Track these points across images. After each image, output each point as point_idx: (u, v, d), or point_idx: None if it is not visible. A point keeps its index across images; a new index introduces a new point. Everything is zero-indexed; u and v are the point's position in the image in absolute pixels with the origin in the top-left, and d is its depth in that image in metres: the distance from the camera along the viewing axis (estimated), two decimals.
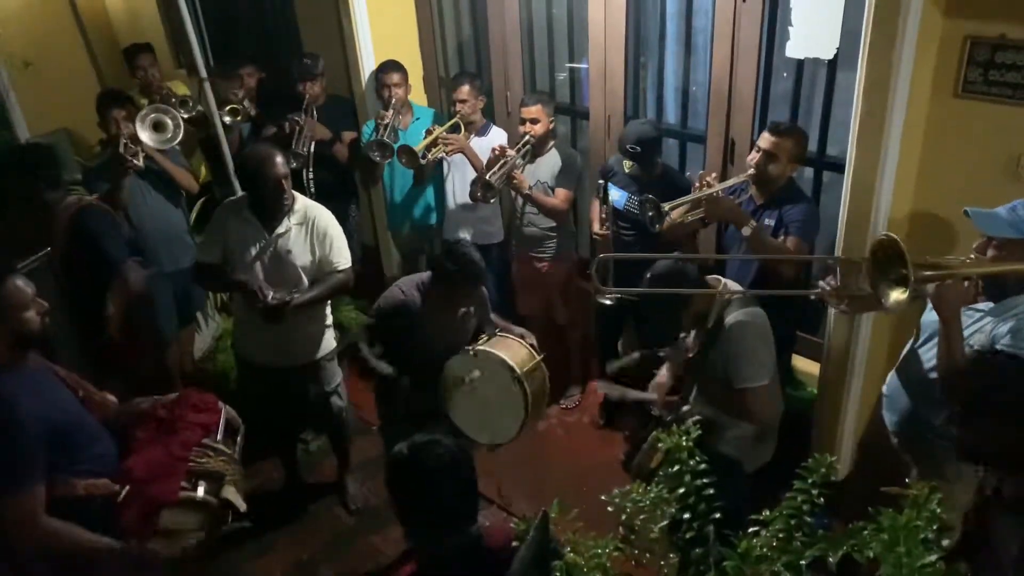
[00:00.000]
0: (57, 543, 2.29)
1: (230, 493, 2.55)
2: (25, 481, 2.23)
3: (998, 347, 2.30)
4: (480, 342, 3.08)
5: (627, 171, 3.68)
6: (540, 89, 4.41)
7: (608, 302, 3.73)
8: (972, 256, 2.37)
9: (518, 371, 2.94)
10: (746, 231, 3.04)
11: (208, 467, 2.53)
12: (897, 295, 2.17)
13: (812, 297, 2.68)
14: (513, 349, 3.06)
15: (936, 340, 2.49)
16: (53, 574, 2.39)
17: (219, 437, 2.64)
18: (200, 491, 2.48)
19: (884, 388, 2.80)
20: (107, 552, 2.34)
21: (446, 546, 1.85)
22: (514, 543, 1.67)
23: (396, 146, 4.28)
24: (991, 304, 2.39)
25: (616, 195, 3.80)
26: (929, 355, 2.55)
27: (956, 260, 2.35)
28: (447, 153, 4.18)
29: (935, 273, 2.26)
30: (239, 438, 2.77)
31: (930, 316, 2.55)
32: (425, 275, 3.20)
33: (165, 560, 2.45)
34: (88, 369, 2.76)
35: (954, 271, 2.28)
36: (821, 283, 2.67)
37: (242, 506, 2.58)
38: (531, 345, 3.15)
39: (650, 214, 3.17)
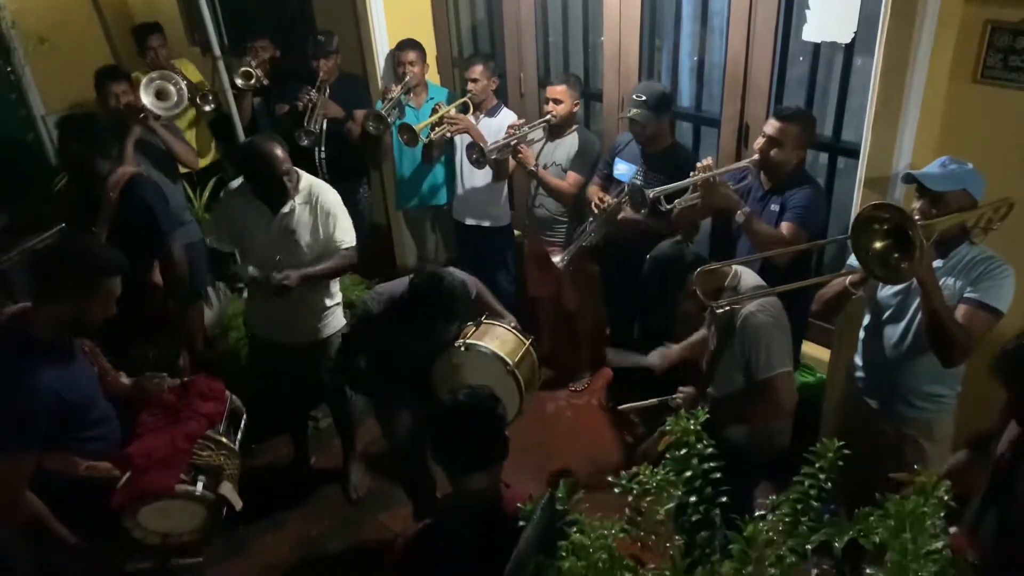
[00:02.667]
0: (27, 520, 2.33)
1: (227, 489, 2.58)
2: (19, 450, 2.26)
3: (966, 296, 2.39)
4: (468, 333, 3.05)
5: (631, 115, 3.51)
6: (562, 71, 4.37)
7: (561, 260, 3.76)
8: (917, 217, 2.40)
9: (510, 363, 2.93)
10: (739, 217, 3.03)
11: (209, 461, 2.56)
12: (907, 265, 2.13)
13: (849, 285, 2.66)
14: (501, 338, 3.04)
15: (903, 312, 2.58)
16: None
17: (222, 428, 2.67)
18: (199, 486, 2.51)
19: (858, 373, 2.82)
20: (67, 546, 2.39)
21: (469, 491, 1.95)
22: (521, 523, 1.69)
23: (398, 123, 4.28)
24: (940, 261, 2.46)
25: (623, 168, 3.78)
26: (900, 327, 2.59)
27: (926, 221, 2.37)
28: (451, 133, 4.17)
29: (931, 230, 2.27)
30: (241, 427, 2.79)
31: (888, 290, 2.62)
32: (404, 285, 3.07)
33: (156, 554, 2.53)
34: (110, 338, 2.80)
35: (935, 227, 2.30)
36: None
37: (238, 504, 2.62)
38: (516, 328, 3.13)
39: (637, 201, 3.20)
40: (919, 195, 2.45)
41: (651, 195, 3.17)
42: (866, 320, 2.78)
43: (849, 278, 2.59)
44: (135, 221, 3.40)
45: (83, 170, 3.42)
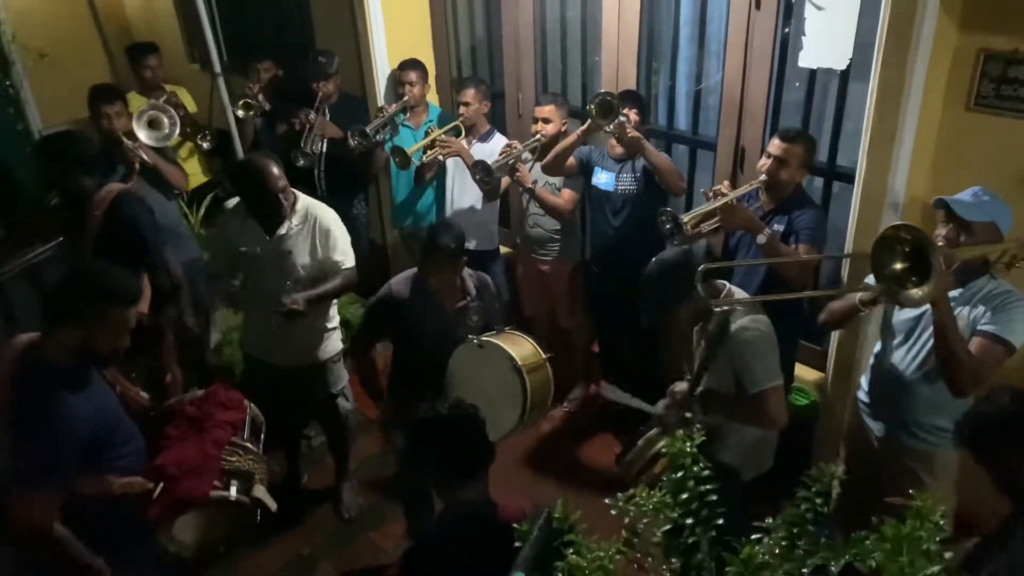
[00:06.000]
0: (56, 550, 2.29)
1: (261, 492, 2.60)
2: (56, 481, 2.24)
3: (980, 328, 2.37)
4: (488, 335, 3.09)
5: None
6: (553, 91, 4.41)
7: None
8: (941, 244, 2.41)
9: (518, 362, 2.94)
10: (761, 239, 3.03)
11: (239, 466, 2.57)
12: (924, 289, 2.11)
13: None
14: (519, 344, 3.06)
15: (913, 339, 2.57)
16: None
17: (245, 435, 2.67)
18: (233, 491, 2.52)
19: (862, 396, 2.82)
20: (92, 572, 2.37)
21: (462, 501, 1.99)
22: (516, 544, 1.68)
23: (390, 145, 4.30)
24: (958, 290, 2.44)
25: (604, 177, 3.82)
26: (910, 355, 2.58)
27: (949, 249, 2.38)
28: (443, 155, 4.18)
29: (953, 258, 2.26)
30: (262, 435, 2.79)
31: (902, 315, 2.61)
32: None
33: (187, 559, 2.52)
34: None
35: (957, 254, 2.30)
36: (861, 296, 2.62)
37: (272, 505, 2.64)
38: (536, 345, 3.15)
39: (668, 227, 3.14)
40: (946, 221, 2.44)
41: (685, 220, 3.13)
42: (877, 344, 2.77)
43: (860, 295, 2.58)
44: (122, 237, 3.40)
45: (67, 188, 3.43)
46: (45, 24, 5.75)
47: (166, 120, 4.21)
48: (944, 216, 2.45)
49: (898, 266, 2.15)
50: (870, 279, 2.65)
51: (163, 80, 5.06)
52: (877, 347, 2.77)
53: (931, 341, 2.44)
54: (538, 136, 3.93)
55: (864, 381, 2.83)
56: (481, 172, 3.90)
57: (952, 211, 2.41)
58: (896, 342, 2.64)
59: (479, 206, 4.30)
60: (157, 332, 3.56)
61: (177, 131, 4.31)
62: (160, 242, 3.57)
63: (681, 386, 2.86)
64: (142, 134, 4.09)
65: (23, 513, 2.20)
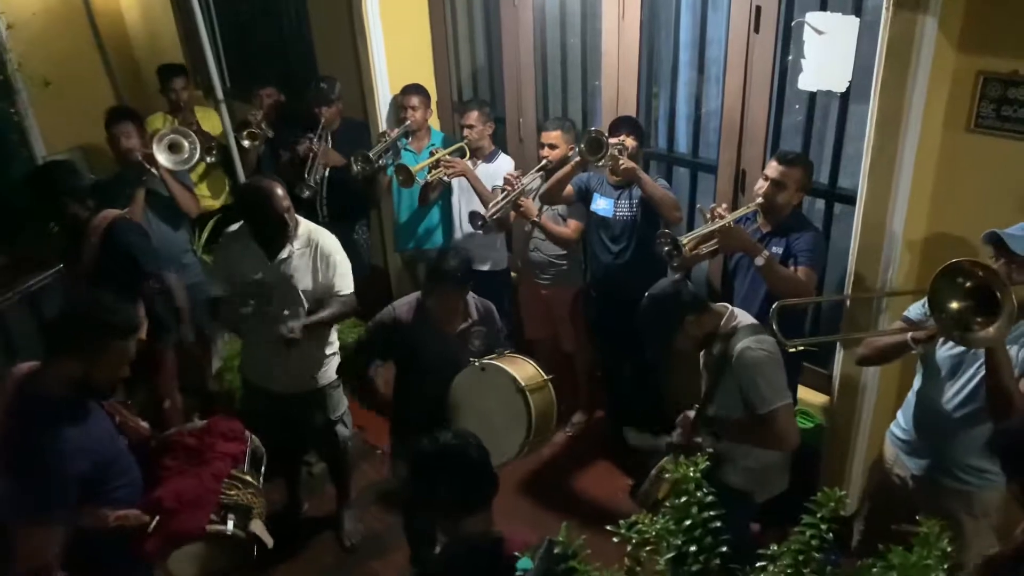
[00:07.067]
0: None
1: (258, 527, 2.56)
2: (55, 518, 2.21)
3: None
4: (489, 358, 3.07)
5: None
6: (559, 117, 4.43)
7: None
8: None
9: (522, 383, 2.93)
10: (759, 261, 3.02)
11: (237, 500, 2.54)
12: (992, 330, 2.03)
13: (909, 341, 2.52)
14: (520, 366, 3.05)
15: (957, 375, 2.47)
16: None
17: (246, 468, 2.64)
18: (229, 525, 2.48)
19: (899, 433, 2.73)
20: None
21: (466, 534, 1.93)
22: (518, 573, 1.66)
23: (393, 164, 4.31)
24: None
25: (603, 204, 3.82)
26: (954, 392, 2.50)
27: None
28: (448, 176, 4.19)
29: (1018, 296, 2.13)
30: (262, 467, 2.76)
31: (944, 351, 2.52)
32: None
33: None
34: None
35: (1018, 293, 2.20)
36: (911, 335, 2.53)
37: (269, 542, 2.59)
38: (537, 366, 3.14)
39: (666, 249, 3.13)
40: (996, 256, 2.36)
41: (683, 242, 3.12)
42: (918, 380, 2.67)
43: (912, 333, 2.50)
44: (119, 263, 3.41)
45: (61, 216, 3.44)
46: (50, 51, 5.79)
47: (186, 144, 4.23)
48: (994, 251, 2.38)
49: (955, 304, 2.08)
50: (910, 312, 2.61)
51: (188, 102, 5.09)
52: (917, 383, 2.67)
53: (976, 378, 2.37)
54: (544, 162, 3.95)
55: (901, 417, 2.73)
56: (480, 220, 3.93)
57: (1005, 246, 2.32)
58: (940, 378, 2.54)
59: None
60: (155, 358, 3.55)
61: (198, 155, 4.33)
62: (158, 266, 3.56)
63: (691, 414, 2.85)
64: (162, 157, 4.11)
65: (23, 552, 2.17)
